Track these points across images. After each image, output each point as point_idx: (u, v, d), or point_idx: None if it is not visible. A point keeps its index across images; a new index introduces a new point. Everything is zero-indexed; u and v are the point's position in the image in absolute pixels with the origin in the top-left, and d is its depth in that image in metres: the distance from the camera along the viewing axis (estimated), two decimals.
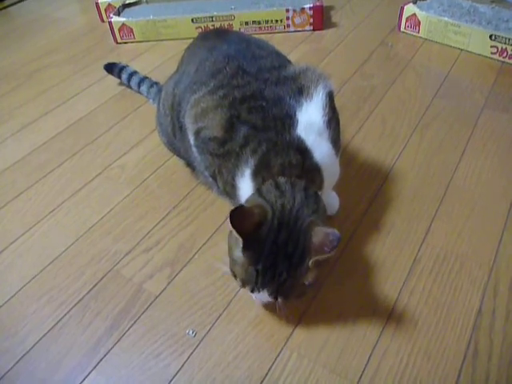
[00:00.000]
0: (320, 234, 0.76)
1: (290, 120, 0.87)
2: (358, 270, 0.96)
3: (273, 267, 0.76)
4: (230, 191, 0.93)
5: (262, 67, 0.95)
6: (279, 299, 0.79)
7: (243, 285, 0.81)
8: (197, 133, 0.94)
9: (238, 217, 0.74)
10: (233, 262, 0.81)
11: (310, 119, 0.88)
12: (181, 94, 1.01)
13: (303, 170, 0.85)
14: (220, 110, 0.89)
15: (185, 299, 0.93)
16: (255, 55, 0.98)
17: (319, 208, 0.83)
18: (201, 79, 0.97)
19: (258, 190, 0.84)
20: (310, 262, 0.75)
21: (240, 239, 0.75)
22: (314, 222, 0.79)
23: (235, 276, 0.81)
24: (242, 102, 0.89)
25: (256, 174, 0.86)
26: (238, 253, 0.77)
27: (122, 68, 1.54)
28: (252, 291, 0.80)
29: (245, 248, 0.76)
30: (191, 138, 0.97)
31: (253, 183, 0.86)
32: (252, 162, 0.86)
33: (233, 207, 0.74)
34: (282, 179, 0.83)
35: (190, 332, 0.87)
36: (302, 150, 0.85)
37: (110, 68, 1.56)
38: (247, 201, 0.84)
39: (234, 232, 0.74)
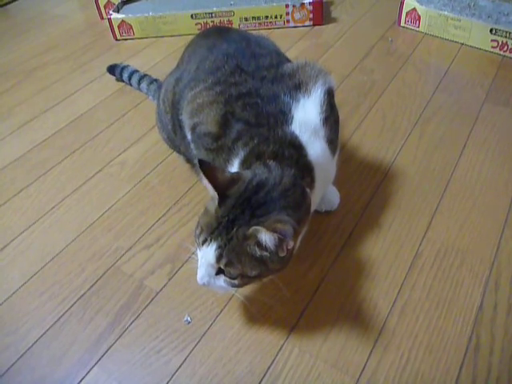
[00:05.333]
0: (284, 219, 0.73)
1: (283, 116, 0.86)
2: (358, 264, 0.96)
3: (233, 220, 0.75)
4: None
5: (260, 65, 0.94)
6: (222, 263, 0.75)
7: (199, 234, 0.78)
8: (193, 128, 0.94)
9: (210, 168, 0.75)
10: (204, 212, 0.81)
11: (305, 116, 0.87)
12: (180, 92, 1.02)
13: (296, 165, 0.82)
14: (216, 106, 0.89)
15: (186, 295, 0.93)
16: (254, 54, 0.98)
17: (303, 204, 0.81)
18: (199, 77, 0.97)
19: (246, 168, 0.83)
20: (252, 229, 0.72)
21: (216, 196, 0.75)
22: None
23: (197, 227, 0.80)
24: (237, 99, 0.89)
25: (244, 162, 0.85)
26: (212, 206, 0.78)
27: (124, 68, 1.55)
28: (203, 242, 0.77)
29: (219, 204, 0.76)
30: (188, 134, 0.97)
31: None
32: (242, 153, 0.85)
33: None
34: (272, 162, 0.81)
35: (188, 319, 0.88)
36: (296, 146, 0.84)
37: (112, 69, 1.57)
38: None
39: (209, 186, 0.75)
